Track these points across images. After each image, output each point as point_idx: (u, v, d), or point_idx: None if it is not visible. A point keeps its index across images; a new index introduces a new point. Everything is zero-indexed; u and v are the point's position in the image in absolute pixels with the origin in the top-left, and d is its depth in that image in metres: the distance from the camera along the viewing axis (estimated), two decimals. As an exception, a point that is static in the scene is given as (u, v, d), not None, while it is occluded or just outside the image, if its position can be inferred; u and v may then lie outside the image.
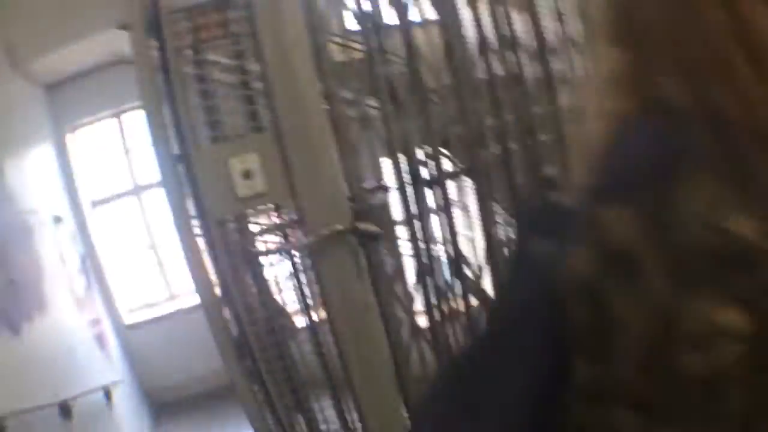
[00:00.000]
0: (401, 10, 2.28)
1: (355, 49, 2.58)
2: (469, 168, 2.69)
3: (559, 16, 3.07)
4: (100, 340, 5.49)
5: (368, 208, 2.19)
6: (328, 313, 2.34)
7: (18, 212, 4.45)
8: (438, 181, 2.59)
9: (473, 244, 3.02)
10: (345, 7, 2.44)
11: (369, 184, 2.33)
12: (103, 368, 5.26)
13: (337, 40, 2.41)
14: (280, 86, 2.08)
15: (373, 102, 2.59)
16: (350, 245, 2.18)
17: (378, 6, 2.46)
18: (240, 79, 2.14)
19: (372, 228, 2.11)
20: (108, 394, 4.97)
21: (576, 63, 3.07)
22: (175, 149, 2.21)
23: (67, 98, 6.01)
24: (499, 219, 2.99)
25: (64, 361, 4.56)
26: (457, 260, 2.71)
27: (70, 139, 6.26)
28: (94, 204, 6.40)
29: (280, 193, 2.16)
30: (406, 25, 2.32)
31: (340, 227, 2.13)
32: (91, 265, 5.90)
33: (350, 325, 2.30)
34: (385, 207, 2.41)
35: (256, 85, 2.14)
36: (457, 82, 2.58)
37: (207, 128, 2.19)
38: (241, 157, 2.13)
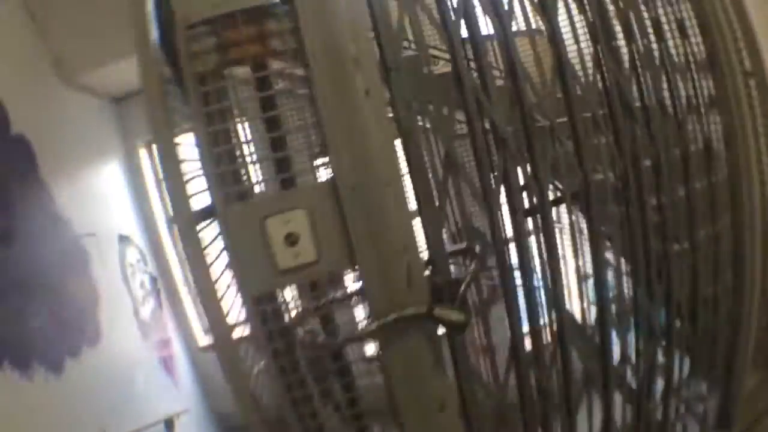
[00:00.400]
0: (500, 16, 1.62)
1: (442, 57, 1.94)
2: (578, 194, 2.02)
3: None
4: (166, 364, 5.04)
5: (453, 284, 1.54)
6: (395, 408, 1.71)
7: (71, 236, 4.02)
8: (540, 210, 1.92)
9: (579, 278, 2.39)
10: (426, 9, 1.79)
11: (455, 246, 1.67)
12: (167, 397, 4.81)
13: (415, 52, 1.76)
14: (335, 119, 1.46)
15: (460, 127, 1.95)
16: (426, 333, 1.54)
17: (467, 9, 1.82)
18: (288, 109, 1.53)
19: (456, 316, 1.46)
20: (170, 425, 4.51)
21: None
22: (198, 203, 1.64)
23: (142, 112, 5.58)
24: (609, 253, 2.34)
25: (119, 395, 4.11)
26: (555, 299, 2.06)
27: (143, 154, 5.85)
28: (170, 222, 5.97)
29: (335, 263, 1.53)
30: (505, 35, 1.66)
31: (412, 311, 1.50)
32: (164, 285, 5.47)
33: (422, 426, 1.67)
34: (476, 279, 1.74)
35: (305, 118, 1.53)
36: (568, 99, 1.90)
37: (240, 178, 1.59)
38: (283, 217, 1.52)
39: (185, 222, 1.66)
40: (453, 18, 1.65)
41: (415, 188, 1.52)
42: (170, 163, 1.68)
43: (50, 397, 3.53)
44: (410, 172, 1.51)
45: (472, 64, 1.85)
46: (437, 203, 1.48)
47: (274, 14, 1.59)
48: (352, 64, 1.46)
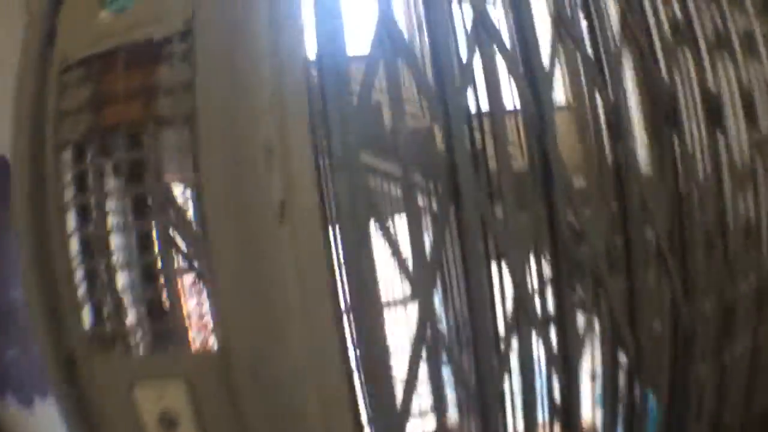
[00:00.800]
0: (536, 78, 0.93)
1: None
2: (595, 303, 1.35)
3: None
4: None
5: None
6: None
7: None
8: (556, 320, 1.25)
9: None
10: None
11: (414, 405, 1.00)
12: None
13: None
14: (227, 254, 0.81)
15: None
16: None
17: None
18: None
19: None
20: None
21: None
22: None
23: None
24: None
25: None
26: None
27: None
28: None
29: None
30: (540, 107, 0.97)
31: None
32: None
33: None
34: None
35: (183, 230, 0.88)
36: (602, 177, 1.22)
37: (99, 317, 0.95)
38: (156, 386, 0.89)
39: (58, 366, 1.04)
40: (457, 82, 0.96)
41: (364, 363, 0.86)
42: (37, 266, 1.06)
43: (26, 427, 3.12)
44: (358, 339, 0.85)
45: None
46: (401, 403, 0.82)
47: (171, 55, 0.95)
48: (263, 156, 0.81)
